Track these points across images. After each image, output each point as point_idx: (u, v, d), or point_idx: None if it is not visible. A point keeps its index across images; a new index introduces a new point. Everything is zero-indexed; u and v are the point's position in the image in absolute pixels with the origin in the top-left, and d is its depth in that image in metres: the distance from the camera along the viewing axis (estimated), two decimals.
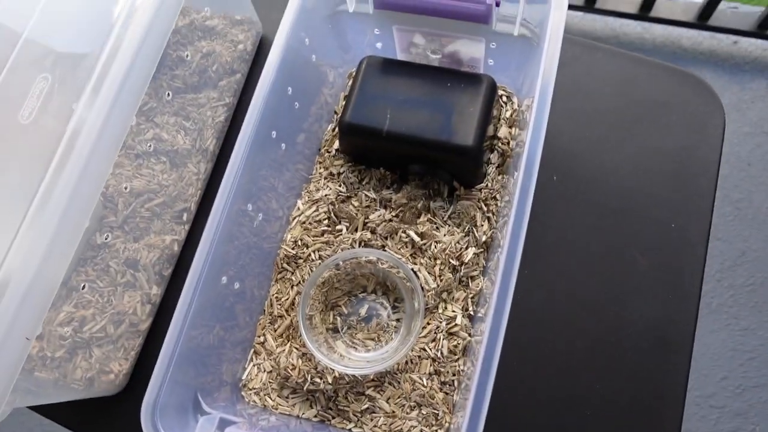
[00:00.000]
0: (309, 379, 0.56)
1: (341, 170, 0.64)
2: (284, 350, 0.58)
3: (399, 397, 0.55)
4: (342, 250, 0.60)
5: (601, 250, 0.58)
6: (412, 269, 0.58)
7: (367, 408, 0.56)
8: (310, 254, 0.61)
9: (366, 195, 0.62)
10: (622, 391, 0.54)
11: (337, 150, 0.66)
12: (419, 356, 0.56)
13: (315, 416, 0.56)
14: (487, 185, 0.61)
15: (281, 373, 0.57)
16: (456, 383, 0.55)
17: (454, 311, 0.57)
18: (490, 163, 0.62)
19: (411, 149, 0.57)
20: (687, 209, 0.58)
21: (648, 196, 0.59)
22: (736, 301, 1.30)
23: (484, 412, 0.42)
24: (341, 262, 0.59)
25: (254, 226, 0.57)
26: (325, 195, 0.63)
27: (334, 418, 0.56)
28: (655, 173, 0.60)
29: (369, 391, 0.56)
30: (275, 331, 0.60)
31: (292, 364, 0.57)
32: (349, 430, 0.55)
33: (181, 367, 0.48)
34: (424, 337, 0.57)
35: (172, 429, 0.46)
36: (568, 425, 0.54)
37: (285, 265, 0.62)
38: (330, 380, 0.56)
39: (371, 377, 0.56)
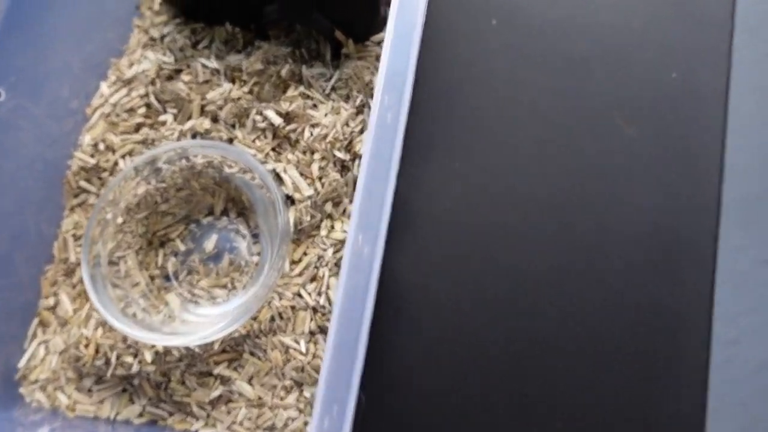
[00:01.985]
0: (114, 359, 0.34)
1: (165, 32, 0.41)
2: (82, 316, 0.37)
3: (267, 374, 0.35)
4: (164, 144, 0.37)
5: (567, 118, 0.38)
6: (274, 171, 0.36)
7: (220, 396, 0.35)
8: (117, 162, 0.39)
9: (203, 65, 0.39)
10: (624, 337, 0.34)
11: (161, 3, 0.42)
12: (292, 306, 0.35)
13: (139, 416, 0.35)
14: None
15: (72, 353, 0.35)
16: None
17: (345, 231, 0.36)
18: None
19: None
20: (694, 48, 0.38)
21: (634, 33, 0.39)
22: None
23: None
24: (164, 167, 0.37)
25: (30, 125, 0.34)
26: (142, 71, 0.40)
27: (171, 415, 0.35)
28: None
29: (220, 369, 0.35)
30: (73, 287, 0.38)
31: (86, 338, 0.35)
32: (197, 431, 0.35)
33: None
34: (299, 275, 0.36)
35: None
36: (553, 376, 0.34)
37: (82, 183, 0.39)
38: (149, 358, 0.34)
39: (217, 347, 0.35)
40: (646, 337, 0.34)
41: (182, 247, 0.38)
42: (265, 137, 0.37)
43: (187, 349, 0.35)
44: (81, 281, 0.37)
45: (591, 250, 0.36)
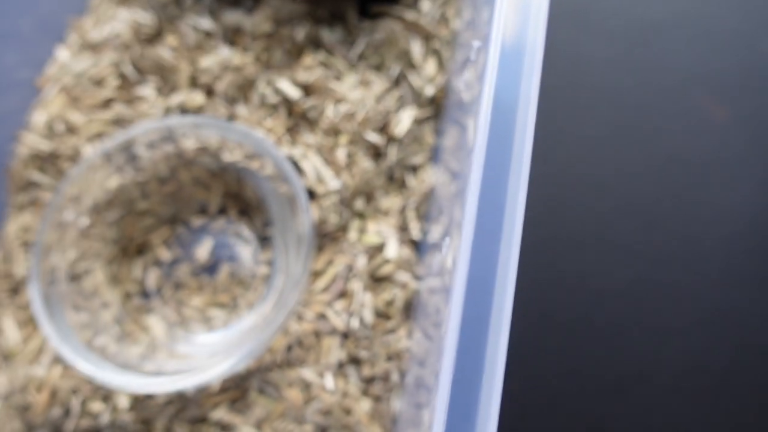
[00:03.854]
0: (77, 407, 0.26)
1: None
2: (33, 348, 0.28)
3: (282, 418, 0.27)
4: (143, 124, 0.29)
5: (645, 101, 0.31)
6: (290, 158, 0.28)
7: None
8: (81, 147, 0.30)
9: (193, 25, 0.31)
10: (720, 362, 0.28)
11: None
12: (315, 331, 0.27)
13: None
14: None
15: (17, 400, 0.26)
16: (394, 377, 0.27)
17: (381, 233, 0.28)
18: None
19: None
20: None
21: None
22: None
23: None
24: (143, 153, 0.28)
25: None
26: (114, 34, 0.31)
27: None
28: None
29: (219, 413, 0.27)
30: (22, 310, 0.29)
31: (38, 379, 0.26)
32: None
33: None
34: (324, 290, 0.28)
35: None
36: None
37: (34, 175, 0.30)
38: (126, 404, 0.26)
39: (215, 385, 0.27)
40: (752, 362, 0.28)
41: (167, 256, 0.30)
42: (278, 115, 0.29)
43: (179, 392, 0.26)
44: None
45: (677, 260, 0.29)
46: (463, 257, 0.17)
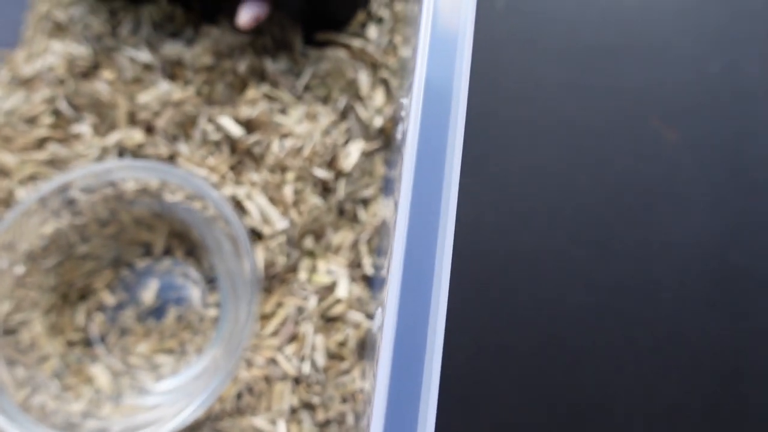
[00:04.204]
0: None
1: (75, 14, 0.31)
2: None
3: None
4: (79, 168, 0.28)
5: (596, 123, 0.31)
6: (234, 198, 0.27)
7: None
8: (14, 190, 0.28)
9: (131, 57, 0.30)
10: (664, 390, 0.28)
11: None
12: (266, 376, 0.26)
13: None
14: (375, 18, 0.31)
15: None
16: (350, 419, 0.27)
17: (331, 272, 0.28)
18: None
19: None
20: (739, 36, 0.32)
21: (671, 20, 0.33)
22: None
23: None
24: (80, 197, 0.27)
25: None
26: (47, 67, 0.30)
27: None
28: None
29: None
30: None
31: None
32: None
33: None
34: (273, 334, 0.27)
35: None
36: None
37: None
38: None
39: None
40: (706, 389, 0.28)
41: (111, 300, 0.29)
42: (221, 152, 0.28)
43: None
44: None
45: (629, 285, 0.29)
46: (392, 292, 0.17)
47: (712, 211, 0.30)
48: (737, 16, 0.32)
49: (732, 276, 0.29)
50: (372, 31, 0.30)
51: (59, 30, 0.31)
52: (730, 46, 0.32)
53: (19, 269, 0.27)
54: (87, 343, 0.28)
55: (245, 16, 0.26)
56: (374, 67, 0.30)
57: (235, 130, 0.28)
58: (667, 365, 0.28)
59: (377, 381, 0.16)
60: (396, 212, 0.18)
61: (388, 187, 0.30)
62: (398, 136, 0.23)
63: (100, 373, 0.27)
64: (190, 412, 0.24)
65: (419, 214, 0.18)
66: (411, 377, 0.16)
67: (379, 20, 0.31)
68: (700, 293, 0.29)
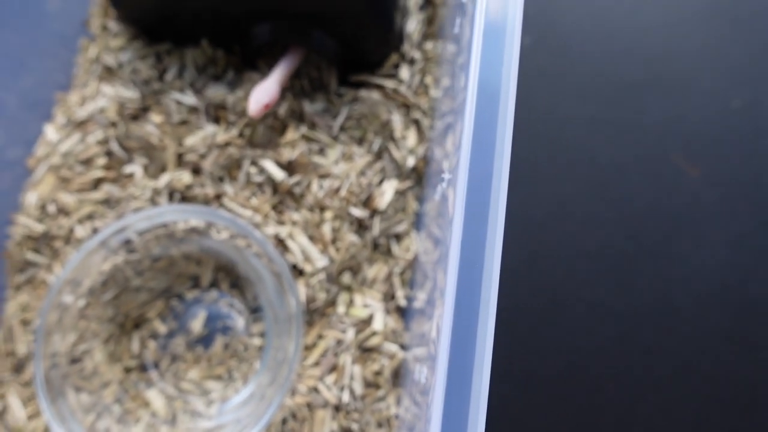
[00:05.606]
0: None
1: (124, 59, 0.33)
2: (38, 427, 0.29)
3: None
4: (135, 212, 0.30)
5: (619, 159, 0.32)
6: (276, 236, 0.29)
7: None
8: (74, 228, 0.31)
9: (177, 100, 0.32)
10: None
11: (118, 19, 0.34)
12: (308, 403, 0.29)
13: None
14: (407, 59, 0.32)
15: None
16: None
17: (368, 305, 0.29)
18: (409, 16, 0.33)
19: None
20: (759, 73, 0.33)
21: (693, 56, 0.33)
22: None
23: None
24: (135, 237, 0.29)
25: None
26: (99, 109, 0.32)
27: None
28: (708, 17, 0.34)
29: None
30: (26, 386, 0.30)
31: None
32: None
33: None
34: (315, 365, 0.29)
35: None
36: None
37: (29, 255, 0.31)
38: None
39: None
40: (724, 419, 0.29)
41: (163, 329, 0.31)
42: (263, 193, 0.30)
43: None
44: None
45: (650, 317, 0.31)
46: (446, 326, 0.19)
47: (732, 246, 0.31)
48: (759, 52, 0.33)
49: (751, 309, 0.30)
50: (404, 72, 0.32)
51: (109, 74, 0.33)
52: (751, 82, 0.32)
53: (82, 302, 0.29)
54: (142, 368, 0.30)
55: (254, 106, 0.27)
56: (407, 107, 0.31)
57: (278, 174, 0.29)
58: (686, 395, 0.29)
59: (431, 413, 0.18)
60: (447, 263, 0.20)
61: (419, 221, 0.32)
62: (446, 176, 0.24)
63: (155, 397, 0.30)
64: None
65: (467, 259, 0.19)
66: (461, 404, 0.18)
67: (411, 61, 0.32)
68: (719, 325, 0.30)
